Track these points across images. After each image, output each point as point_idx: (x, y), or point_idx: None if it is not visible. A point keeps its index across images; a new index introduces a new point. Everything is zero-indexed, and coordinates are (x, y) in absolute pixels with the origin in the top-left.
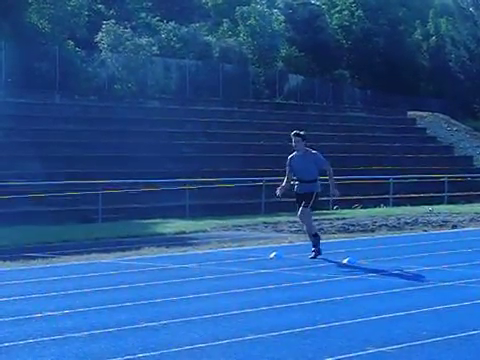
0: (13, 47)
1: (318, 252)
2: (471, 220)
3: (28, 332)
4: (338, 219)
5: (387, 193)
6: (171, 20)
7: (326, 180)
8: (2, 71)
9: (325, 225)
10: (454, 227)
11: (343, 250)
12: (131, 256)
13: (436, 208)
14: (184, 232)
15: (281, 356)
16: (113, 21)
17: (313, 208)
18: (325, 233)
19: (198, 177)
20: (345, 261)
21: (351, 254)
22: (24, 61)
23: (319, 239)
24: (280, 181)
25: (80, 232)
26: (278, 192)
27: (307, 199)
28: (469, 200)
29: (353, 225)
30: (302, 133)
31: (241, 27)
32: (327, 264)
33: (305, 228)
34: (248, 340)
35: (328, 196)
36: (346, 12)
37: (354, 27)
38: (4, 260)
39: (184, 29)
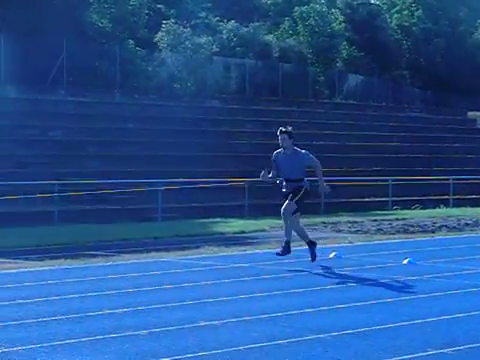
0: (74, 46)
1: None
2: None
3: (89, 329)
4: (398, 220)
5: (447, 194)
6: (230, 19)
7: (328, 182)
8: (63, 70)
9: (384, 226)
10: None
11: (403, 251)
12: (191, 255)
13: None
14: (243, 231)
15: (341, 356)
16: (173, 20)
17: (301, 206)
18: (385, 233)
19: (257, 177)
20: (405, 262)
21: (411, 255)
22: (85, 60)
23: (315, 245)
24: (340, 180)
25: (139, 231)
26: (261, 175)
27: (293, 193)
28: None
29: (413, 226)
30: (289, 130)
31: (300, 27)
32: (387, 265)
33: (284, 227)
34: (307, 340)
35: (387, 196)
36: (406, 12)
37: (414, 27)
38: (65, 258)
39: (244, 29)
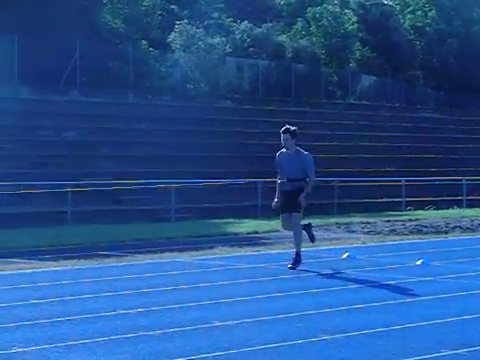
0: (88, 47)
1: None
2: None
3: (103, 330)
4: (411, 220)
5: (460, 194)
6: (244, 20)
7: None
8: (77, 71)
9: (397, 226)
10: None
11: (416, 251)
12: (204, 255)
13: None
14: (257, 232)
15: (355, 357)
16: (186, 21)
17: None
18: (398, 234)
19: (270, 177)
20: (419, 263)
21: (424, 256)
22: (98, 61)
23: (300, 258)
24: (353, 181)
25: (153, 231)
26: (274, 205)
27: (295, 201)
28: None
29: (426, 227)
30: (292, 129)
31: (313, 27)
32: (400, 265)
33: (294, 236)
34: (322, 341)
35: (400, 196)
36: (419, 12)
37: (427, 28)
38: (79, 258)
39: (257, 29)
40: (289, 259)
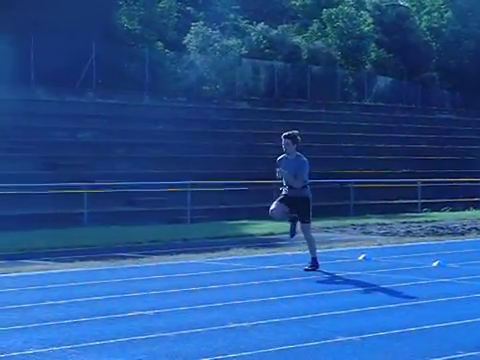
0: (103, 48)
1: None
2: None
3: (119, 331)
4: (427, 222)
5: (477, 196)
6: (259, 21)
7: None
8: (92, 72)
9: (413, 228)
10: None
11: (432, 253)
12: (220, 257)
13: None
14: (273, 233)
15: (370, 358)
16: (202, 23)
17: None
18: (414, 236)
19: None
20: (435, 264)
21: (441, 257)
22: (114, 62)
23: (317, 263)
24: (369, 182)
25: (169, 232)
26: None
27: (302, 210)
28: None
29: (442, 228)
30: (293, 135)
31: (329, 29)
32: (416, 267)
33: (308, 244)
34: (337, 342)
35: (416, 198)
36: (435, 14)
37: (443, 29)
38: (95, 260)
39: (273, 31)
40: (305, 261)
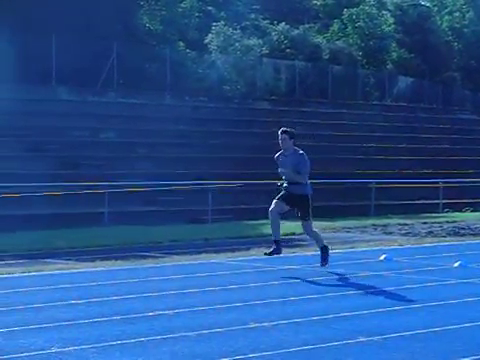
0: (125, 48)
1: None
2: None
3: (140, 330)
4: (448, 222)
5: None
6: (280, 21)
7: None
8: (114, 72)
9: (435, 228)
10: None
11: (453, 253)
12: (241, 257)
13: None
14: (293, 233)
15: (392, 359)
16: (223, 22)
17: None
18: (435, 236)
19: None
20: (456, 265)
21: (462, 258)
22: (135, 62)
23: (328, 250)
24: (390, 183)
25: (189, 232)
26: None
27: (302, 208)
28: None
29: (464, 228)
30: (290, 130)
31: (350, 29)
32: (438, 268)
33: (314, 240)
34: (359, 342)
35: (438, 198)
36: (457, 14)
37: (465, 29)
38: (116, 259)
39: (294, 30)
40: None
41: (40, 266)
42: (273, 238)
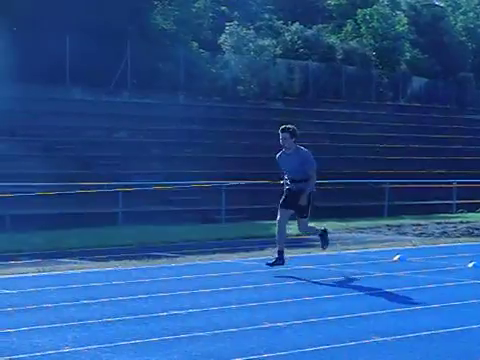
0: (138, 48)
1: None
2: None
3: (154, 330)
4: (462, 223)
5: None
6: (294, 22)
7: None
8: (127, 72)
9: (449, 229)
10: None
11: (468, 254)
12: (255, 257)
13: None
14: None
15: (407, 359)
16: (236, 22)
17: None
18: (449, 236)
19: (319, 179)
20: (470, 265)
21: (476, 258)
22: (149, 62)
23: (327, 233)
24: (404, 183)
25: (203, 232)
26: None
27: (302, 206)
28: None
29: (478, 229)
30: (290, 128)
31: (364, 29)
32: (452, 268)
33: (310, 235)
34: (373, 343)
35: (452, 199)
36: (471, 14)
37: (479, 29)
38: (130, 259)
39: (308, 31)
40: (341, 261)
41: (54, 266)
42: (278, 248)
